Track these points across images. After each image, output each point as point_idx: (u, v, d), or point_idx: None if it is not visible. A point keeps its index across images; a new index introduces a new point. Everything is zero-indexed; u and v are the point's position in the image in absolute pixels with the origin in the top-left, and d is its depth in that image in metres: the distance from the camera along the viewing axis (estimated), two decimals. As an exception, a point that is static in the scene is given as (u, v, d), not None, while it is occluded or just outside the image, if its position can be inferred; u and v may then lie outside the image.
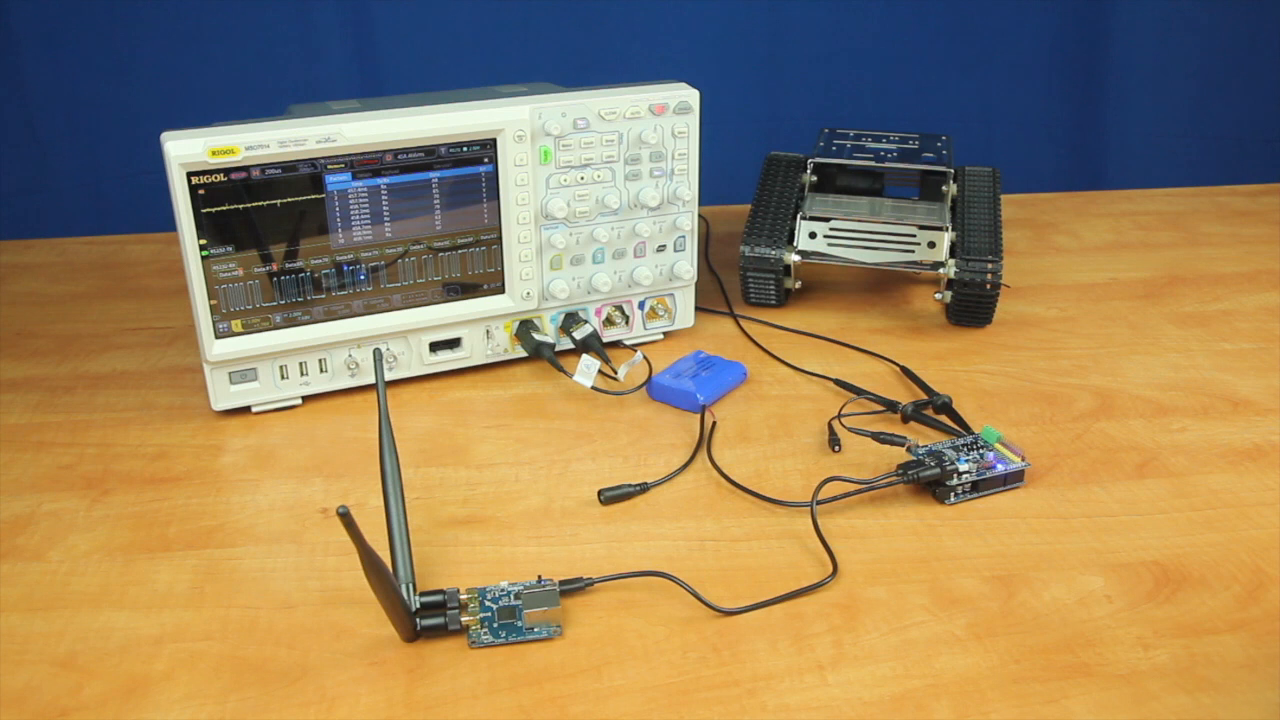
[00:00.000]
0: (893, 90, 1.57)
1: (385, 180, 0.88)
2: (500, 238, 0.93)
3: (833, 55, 1.55)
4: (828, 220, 1.08)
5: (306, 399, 0.93)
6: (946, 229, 1.05)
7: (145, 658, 0.65)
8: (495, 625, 0.66)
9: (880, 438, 0.84)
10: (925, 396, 0.91)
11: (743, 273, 1.08)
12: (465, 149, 0.89)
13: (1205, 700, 0.61)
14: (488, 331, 0.96)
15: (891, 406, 0.90)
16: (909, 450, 0.82)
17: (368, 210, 0.88)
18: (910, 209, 1.09)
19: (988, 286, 1.02)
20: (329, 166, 0.85)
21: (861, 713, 0.61)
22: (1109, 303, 1.11)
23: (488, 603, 0.67)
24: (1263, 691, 0.62)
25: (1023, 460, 0.80)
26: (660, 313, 1.03)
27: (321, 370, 0.92)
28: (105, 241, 1.28)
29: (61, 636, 0.67)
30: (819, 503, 0.77)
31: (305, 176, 0.85)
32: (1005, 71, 1.57)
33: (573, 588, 0.69)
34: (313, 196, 0.86)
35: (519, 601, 0.67)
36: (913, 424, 0.89)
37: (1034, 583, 0.71)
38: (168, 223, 0.83)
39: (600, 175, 0.94)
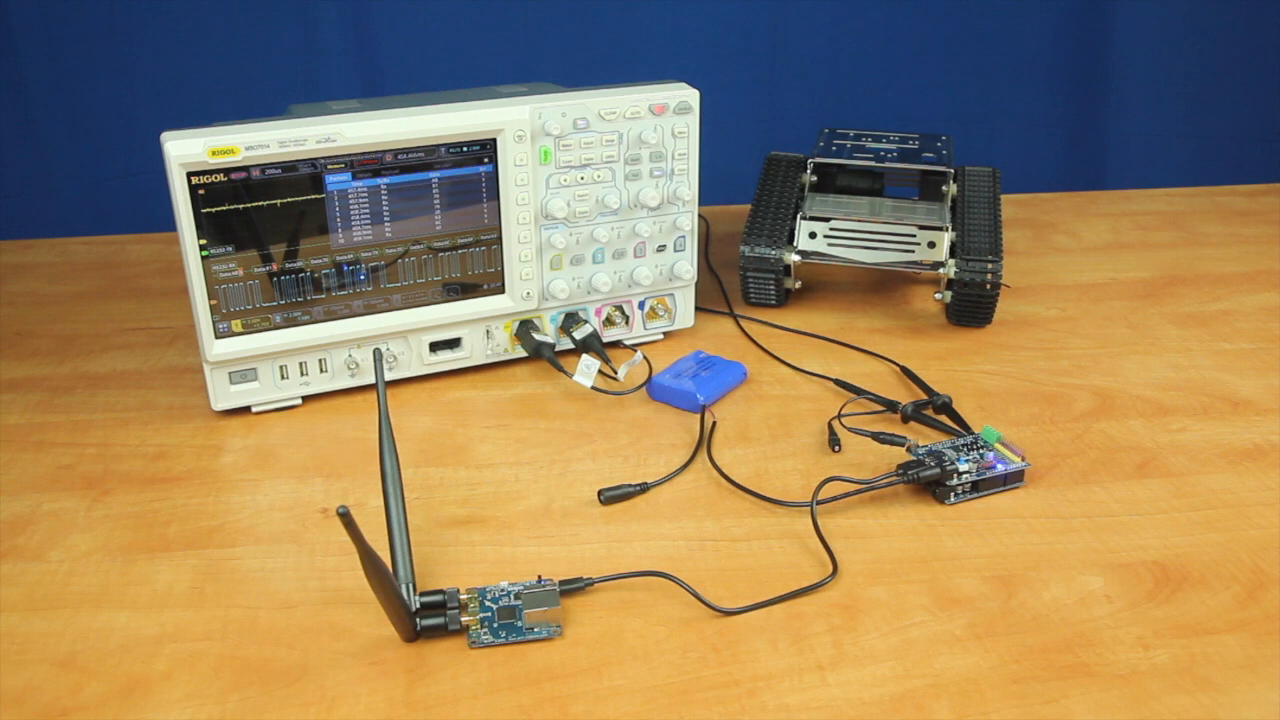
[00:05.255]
0: (893, 90, 1.57)
1: (385, 180, 0.88)
2: (500, 238, 0.93)
3: (833, 55, 1.55)
4: (828, 220, 1.08)
5: (306, 399, 0.93)
6: (946, 229, 1.05)
7: (145, 658, 0.65)
8: (495, 625, 0.66)
9: (880, 438, 0.84)
10: (925, 396, 0.91)
11: (743, 273, 1.08)
12: (465, 149, 0.89)
13: (1205, 700, 0.61)
14: (488, 331, 0.96)
15: (891, 406, 0.90)
16: (909, 450, 0.82)
17: (368, 210, 0.88)
18: (910, 209, 1.09)
19: (988, 286, 1.02)
20: (329, 166, 0.85)
21: (861, 713, 0.61)
22: (1109, 303, 1.11)
23: (488, 603, 0.67)
24: (1263, 691, 0.62)
25: (1023, 460, 0.80)
26: (660, 313, 1.03)
27: (321, 370, 0.92)
28: (105, 241, 1.28)
29: (61, 636, 0.67)
30: (819, 503, 0.77)
31: (305, 176, 0.85)
32: (1005, 71, 1.57)
33: (573, 588, 0.69)
34: (313, 196, 0.86)
35: (519, 601, 0.67)
36: (913, 424, 0.89)
37: (1034, 583, 0.71)
38: (168, 223, 0.83)
39: (600, 175, 0.94)
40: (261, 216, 0.85)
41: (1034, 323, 1.07)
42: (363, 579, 0.62)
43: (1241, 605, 0.69)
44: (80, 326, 1.07)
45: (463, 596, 0.67)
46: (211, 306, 0.86)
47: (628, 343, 1.02)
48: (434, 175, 0.89)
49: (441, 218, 0.91)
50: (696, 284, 1.03)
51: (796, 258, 1.07)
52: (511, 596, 0.67)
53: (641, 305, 1.01)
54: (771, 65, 1.55)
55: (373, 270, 0.90)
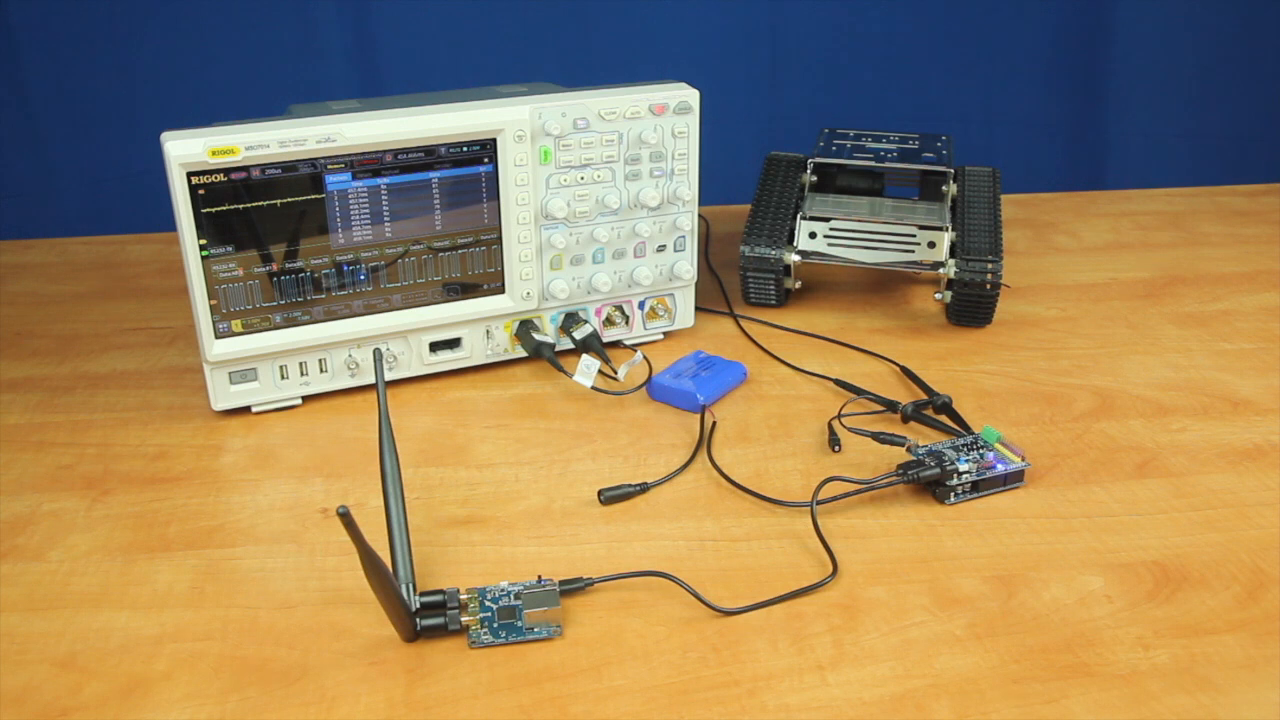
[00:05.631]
0: (893, 90, 1.57)
1: (385, 180, 0.88)
2: (500, 238, 0.93)
3: (833, 55, 1.55)
4: (828, 220, 1.08)
5: (306, 399, 0.93)
6: (946, 229, 1.05)
7: (145, 658, 0.65)
8: (495, 625, 0.66)
9: (880, 438, 0.84)
10: (925, 396, 0.91)
11: (743, 273, 1.08)
12: (465, 149, 0.89)
13: (1205, 700, 0.61)
14: (488, 331, 0.96)
15: (891, 406, 0.90)
16: (909, 450, 0.82)
17: (368, 210, 0.88)
18: (910, 209, 1.09)
19: (988, 286, 1.02)
20: (329, 166, 0.85)
21: (861, 713, 0.61)
22: (1109, 303, 1.11)
23: (488, 603, 0.67)
24: (1263, 691, 0.62)
25: (1023, 460, 0.80)
26: (660, 313, 1.03)
27: (321, 370, 0.92)
28: (105, 241, 1.28)
29: (61, 636, 0.67)
30: (819, 503, 0.77)
31: (305, 176, 0.85)
32: (1005, 71, 1.58)
33: (573, 588, 0.69)
34: (313, 196, 0.86)
35: (519, 601, 0.67)
36: (913, 424, 0.89)
37: (1034, 583, 0.71)
38: (168, 223, 0.83)
39: (600, 175, 0.94)
40: (261, 216, 0.85)
41: (1034, 323, 1.07)
42: (363, 579, 0.62)
43: (1241, 605, 0.69)
44: (80, 326, 1.07)
45: (463, 596, 0.67)
46: (211, 306, 0.86)
47: (628, 343, 1.02)
48: (434, 175, 0.89)
49: (441, 218, 0.91)
50: (696, 284, 1.03)
51: (796, 258, 1.07)
52: (511, 596, 0.67)
53: (641, 305, 1.01)
54: (771, 65, 1.55)
55: (373, 270, 0.90)
